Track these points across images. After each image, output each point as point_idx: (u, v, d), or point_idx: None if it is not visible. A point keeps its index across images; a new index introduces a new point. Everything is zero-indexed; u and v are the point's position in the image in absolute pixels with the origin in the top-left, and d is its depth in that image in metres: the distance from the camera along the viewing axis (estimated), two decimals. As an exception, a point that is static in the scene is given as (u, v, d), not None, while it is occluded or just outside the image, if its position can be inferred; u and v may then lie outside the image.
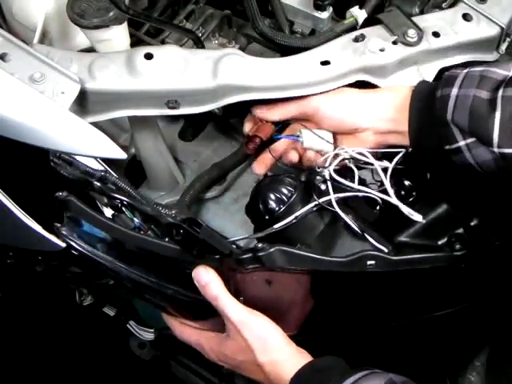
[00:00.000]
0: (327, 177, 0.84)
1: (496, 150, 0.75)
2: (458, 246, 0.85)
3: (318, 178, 0.85)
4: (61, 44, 0.94)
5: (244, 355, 0.78)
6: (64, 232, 0.81)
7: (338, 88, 0.86)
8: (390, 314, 0.93)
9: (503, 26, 0.90)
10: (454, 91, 0.78)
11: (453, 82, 0.79)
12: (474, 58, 0.92)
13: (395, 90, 0.86)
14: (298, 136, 0.89)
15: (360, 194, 0.84)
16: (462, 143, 0.78)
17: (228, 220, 1.05)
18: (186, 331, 0.87)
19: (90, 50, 0.89)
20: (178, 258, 0.79)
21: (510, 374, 1.09)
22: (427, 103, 0.81)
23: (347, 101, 0.87)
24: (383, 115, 0.85)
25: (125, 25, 0.86)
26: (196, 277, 0.77)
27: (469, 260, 0.85)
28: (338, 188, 0.84)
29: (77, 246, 0.83)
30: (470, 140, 0.78)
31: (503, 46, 0.93)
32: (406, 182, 0.88)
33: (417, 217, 0.83)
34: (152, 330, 1.44)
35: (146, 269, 0.83)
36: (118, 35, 0.86)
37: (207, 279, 0.77)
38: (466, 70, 0.80)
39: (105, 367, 1.54)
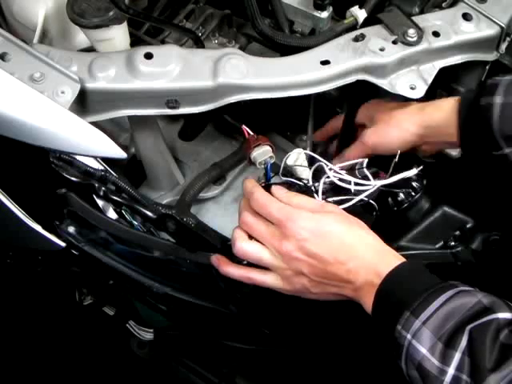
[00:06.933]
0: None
1: None
2: (452, 244, 0.86)
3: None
4: (61, 44, 0.94)
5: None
6: (63, 228, 0.82)
7: (386, 114, 0.91)
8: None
9: (503, 26, 0.90)
10: (498, 99, 0.79)
11: (494, 91, 0.80)
12: (474, 58, 0.92)
13: (441, 104, 0.88)
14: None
15: None
16: (507, 150, 0.80)
17: (228, 220, 1.04)
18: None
19: (90, 49, 0.89)
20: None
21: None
22: (472, 110, 0.83)
23: (398, 131, 0.89)
24: (433, 129, 0.87)
25: (125, 25, 0.86)
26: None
27: (464, 258, 0.86)
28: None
29: (75, 242, 0.83)
30: None
31: (503, 46, 0.93)
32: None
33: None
34: (152, 330, 1.44)
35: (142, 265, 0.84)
36: (117, 35, 0.86)
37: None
38: (509, 77, 0.82)
39: (105, 367, 1.54)
